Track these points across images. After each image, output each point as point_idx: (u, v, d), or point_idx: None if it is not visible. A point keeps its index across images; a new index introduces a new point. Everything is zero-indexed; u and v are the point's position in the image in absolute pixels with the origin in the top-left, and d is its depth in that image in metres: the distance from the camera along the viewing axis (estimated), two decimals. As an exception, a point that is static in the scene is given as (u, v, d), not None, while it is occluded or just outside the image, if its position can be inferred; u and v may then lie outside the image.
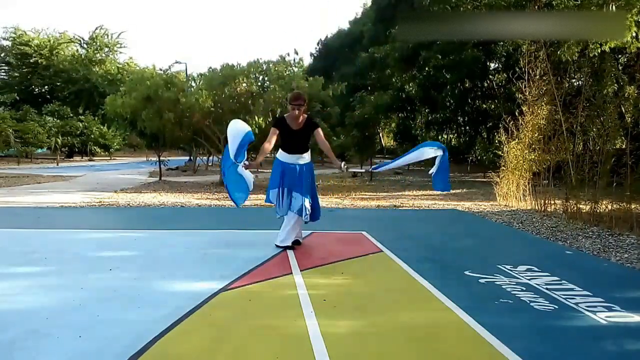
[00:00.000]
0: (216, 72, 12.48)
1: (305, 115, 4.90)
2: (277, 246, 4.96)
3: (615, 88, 10.34)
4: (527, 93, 8.73)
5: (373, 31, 23.20)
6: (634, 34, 6.72)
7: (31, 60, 35.17)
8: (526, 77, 8.75)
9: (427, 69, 18.05)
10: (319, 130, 4.90)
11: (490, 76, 18.62)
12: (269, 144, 4.70)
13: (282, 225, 5.00)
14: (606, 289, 3.76)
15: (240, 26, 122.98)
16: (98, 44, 38.87)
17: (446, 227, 6.77)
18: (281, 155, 4.91)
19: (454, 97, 18.11)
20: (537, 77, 8.53)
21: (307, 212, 4.78)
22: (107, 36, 39.65)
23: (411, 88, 19.87)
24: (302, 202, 4.74)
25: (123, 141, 31.86)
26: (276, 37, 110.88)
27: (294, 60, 12.99)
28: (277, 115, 10.97)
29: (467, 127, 21.28)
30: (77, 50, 38.83)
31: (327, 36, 34.02)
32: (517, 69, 9.27)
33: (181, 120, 12.62)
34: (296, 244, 5.08)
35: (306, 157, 4.90)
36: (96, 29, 39.17)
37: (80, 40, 39.15)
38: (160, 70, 13.93)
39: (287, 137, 4.85)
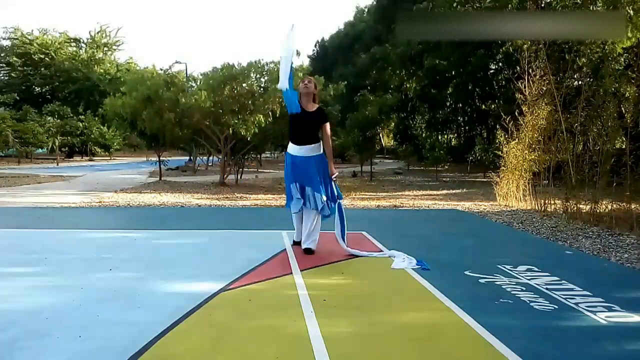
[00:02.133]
0: (217, 72, 12.50)
1: (319, 105, 4.91)
2: (312, 250, 4.75)
3: (615, 88, 10.31)
4: (527, 93, 8.73)
5: (374, 31, 23.22)
6: None
7: (35, 58, 35.17)
8: (526, 77, 8.75)
9: (427, 75, 18.07)
10: (327, 125, 4.82)
11: (491, 77, 18.62)
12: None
13: (308, 227, 4.76)
14: (606, 289, 3.76)
15: (241, 26, 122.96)
16: (96, 43, 38.93)
17: (446, 227, 6.76)
18: (290, 148, 4.81)
19: (456, 97, 18.15)
20: (537, 77, 8.53)
21: (324, 206, 4.67)
22: (105, 34, 39.71)
23: (412, 85, 19.90)
24: (318, 198, 4.65)
25: (123, 141, 31.87)
26: (275, 37, 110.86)
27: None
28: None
29: (467, 127, 21.30)
30: (77, 50, 38.87)
31: (323, 38, 34.05)
32: (518, 68, 9.26)
33: (181, 120, 12.64)
34: (297, 244, 5.06)
35: (316, 149, 4.76)
36: (94, 28, 39.34)
37: (79, 40, 39.22)
38: (161, 70, 13.95)
39: (297, 120, 4.74)
